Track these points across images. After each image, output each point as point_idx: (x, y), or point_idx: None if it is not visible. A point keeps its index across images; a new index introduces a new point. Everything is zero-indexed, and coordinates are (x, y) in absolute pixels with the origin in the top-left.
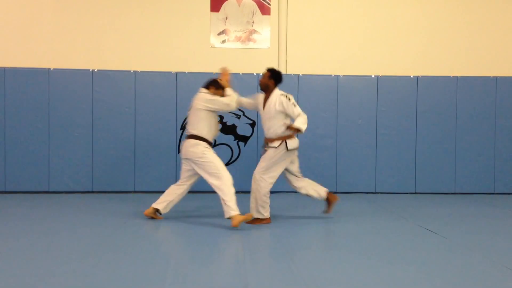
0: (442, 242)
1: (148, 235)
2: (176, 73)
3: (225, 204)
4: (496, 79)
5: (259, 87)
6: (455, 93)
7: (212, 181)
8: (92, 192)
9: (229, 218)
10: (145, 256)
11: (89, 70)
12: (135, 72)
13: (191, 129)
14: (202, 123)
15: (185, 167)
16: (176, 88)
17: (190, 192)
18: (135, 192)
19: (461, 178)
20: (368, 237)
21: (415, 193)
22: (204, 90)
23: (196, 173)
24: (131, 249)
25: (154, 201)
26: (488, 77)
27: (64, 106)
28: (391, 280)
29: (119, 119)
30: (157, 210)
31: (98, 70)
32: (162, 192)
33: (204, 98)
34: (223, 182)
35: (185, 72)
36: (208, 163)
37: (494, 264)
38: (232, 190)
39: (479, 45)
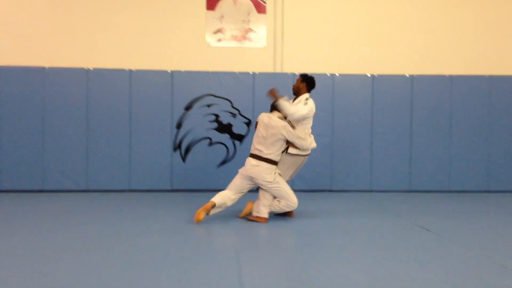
0: (437, 240)
1: (144, 233)
2: (172, 72)
3: (263, 205)
4: (491, 78)
5: (254, 87)
6: (450, 92)
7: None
8: (87, 190)
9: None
10: (140, 255)
11: (84, 68)
12: (130, 70)
13: (264, 150)
14: (276, 147)
15: (247, 182)
16: (172, 86)
17: (190, 190)
18: (130, 190)
19: (456, 176)
20: (363, 235)
21: (410, 191)
22: (277, 114)
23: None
24: (126, 247)
25: (149, 199)
26: (483, 76)
27: (59, 104)
28: (386, 278)
29: (114, 118)
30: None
31: (93, 68)
32: (158, 191)
33: (284, 128)
34: (288, 200)
35: (180, 71)
36: (279, 189)
37: (489, 262)
38: (281, 208)
39: (474, 44)
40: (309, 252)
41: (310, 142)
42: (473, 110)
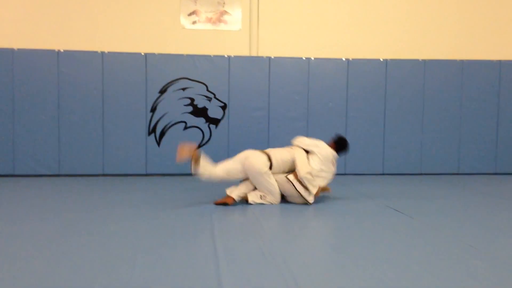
0: (409, 222)
1: (118, 219)
2: (146, 54)
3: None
4: (462, 62)
5: (229, 70)
6: (423, 76)
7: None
8: (59, 175)
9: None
10: (115, 240)
11: (54, 50)
12: (102, 53)
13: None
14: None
15: (237, 167)
16: (146, 69)
17: (164, 175)
18: (103, 175)
19: (427, 159)
20: (336, 218)
21: (383, 174)
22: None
23: None
24: (100, 233)
25: (123, 184)
26: (455, 61)
27: (29, 87)
28: (359, 260)
29: (87, 101)
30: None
31: (64, 50)
32: (132, 175)
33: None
34: (274, 196)
35: (154, 54)
36: (267, 182)
37: (458, 242)
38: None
39: (447, 29)
40: (285, 235)
41: (312, 195)
42: (445, 94)
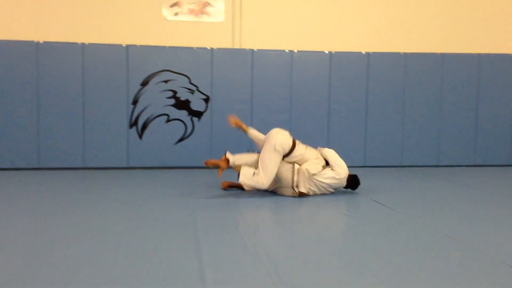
0: (389, 214)
1: (99, 212)
2: (127, 46)
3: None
4: (442, 55)
5: (212, 62)
6: (404, 69)
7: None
8: (39, 168)
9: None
10: (96, 233)
11: (34, 41)
12: (83, 44)
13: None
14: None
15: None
16: (127, 61)
17: (146, 168)
18: (84, 168)
19: (408, 152)
20: (319, 211)
21: (364, 166)
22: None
23: None
24: (81, 227)
25: (105, 177)
26: (435, 54)
27: (8, 79)
28: (341, 252)
29: (67, 93)
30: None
31: (43, 41)
32: (114, 168)
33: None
34: (265, 174)
35: (136, 45)
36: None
37: (438, 234)
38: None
39: (427, 22)
40: (268, 228)
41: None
42: (425, 87)
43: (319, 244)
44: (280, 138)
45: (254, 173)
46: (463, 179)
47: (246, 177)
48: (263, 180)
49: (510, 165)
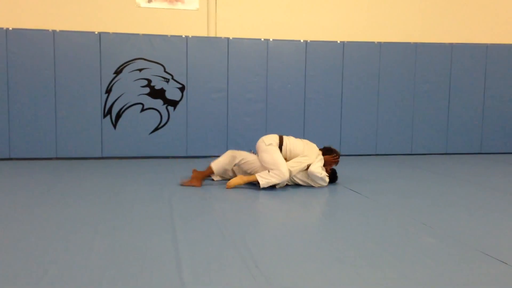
0: (364, 202)
1: (74, 203)
2: (100, 34)
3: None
4: (416, 45)
5: (187, 51)
6: (378, 58)
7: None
8: (10, 159)
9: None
10: (71, 225)
11: (3, 28)
12: (54, 31)
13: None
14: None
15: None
16: (100, 49)
17: (121, 157)
18: (57, 158)
19: (383, 140)
20: (295, 199)
21: (341, 155)
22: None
23: None
24: (54, 218)
25: (78, 167)
26: (409, 43)
27: None
28: (317, 239)
29: (38, 82)
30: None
31: (12, 28)
32: (87, 158)
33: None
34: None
35: (109, 33)
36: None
37: (412, 221)
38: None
39: (401, 12)
40: (245, 217)
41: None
42: (399, 76)
43: (296, 233)
44: (264, 137)
45: (269, 170)
46: (436, 167)
47: (265, 178)
48: (281, 171)
49: (480, 153)
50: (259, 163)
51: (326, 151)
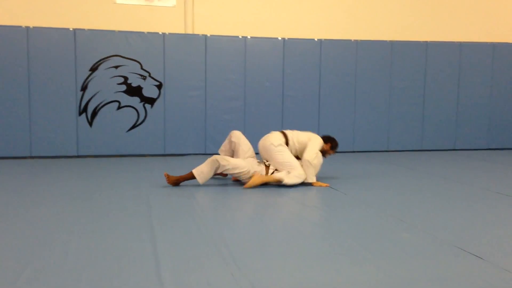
0: (342, 198)
1: (50, 203)
2: (75, 30)
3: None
4: (391, 43)
5: (164, 48)
6: (355, 56)
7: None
8: None
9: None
10: (46, 224)
11: None
12: (27, 28)
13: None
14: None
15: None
16: (75, 46)
17: (97, 156)
18: (31, 157)
19: (359, 137)
20: (272, 196)
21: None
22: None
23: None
24: (29, 218)
25: (54, 166)
26: (385, 41)
27: None
28: (294, 235)
29: (11, 79)
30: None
31: None
32: (63, 157)
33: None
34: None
35: (84, 29)
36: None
37: (388, 216)
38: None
39: (377, 10)
40: (223, 214)
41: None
42: (375, 74)
43: (275, 231)
44: (269, 137)
45: (288, 172)
46: (412, 163)
47: (291, 179)
48: (300, 172)
49: (454, 149)
50: (254, 168)
51: (326, 139)
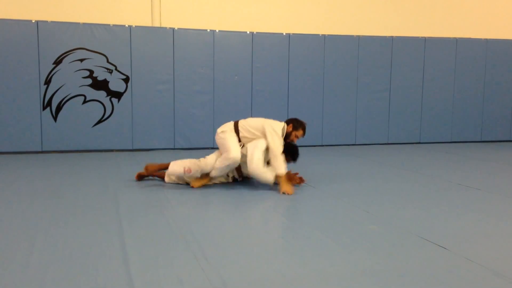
0: (311, 191)
1: (13, 199)
2: (37, 22)
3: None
4: (358, 38)
5: (131, 41)
6: (323, 50)
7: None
8: None
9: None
10: (10, 222)
11: None
12: None
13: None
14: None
15: None
16: (38, 38)
17: (62, 151)
18: None
19: (327, 131)
20: (241, 190)
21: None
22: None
23: None
24: None
25: (17, 162)
26: (351, 36)
27: None
28: (263, 229)
29: None
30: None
31: None
32: (26, 152)
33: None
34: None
35: (47, 21)
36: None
37: (355, 208)
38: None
39: (346, 5)
40: (193, 209)
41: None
42: (343, 68)
43: (244, 225)
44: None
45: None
46: (377, 157)
47: (219, 161)
48: (229, 153)
49: (419, 143)
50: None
51: (290, 121)
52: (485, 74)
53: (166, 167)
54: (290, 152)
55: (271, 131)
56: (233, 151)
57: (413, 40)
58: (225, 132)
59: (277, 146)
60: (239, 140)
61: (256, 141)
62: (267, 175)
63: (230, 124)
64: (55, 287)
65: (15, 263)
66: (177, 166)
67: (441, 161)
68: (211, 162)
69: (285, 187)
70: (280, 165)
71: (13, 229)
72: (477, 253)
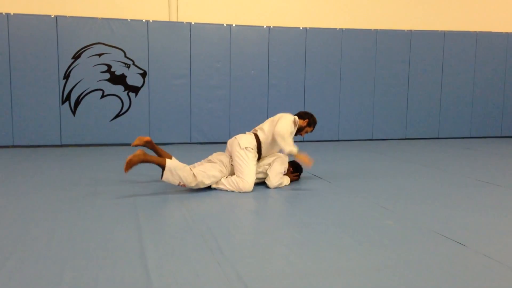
0: (327, 186)
1: (32, 192)
2: (56, 17)
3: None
4: (376, 32)
5: (148, 36)
6: (340, 45)
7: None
8: None
9: None
10: (29, 214)
11: None
12: (8, 14)
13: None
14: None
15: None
16: (57, 33)
17: (81, 145)
18: (14, 146)
19: (344, 126)
20: (257, 185)
21: (303, 141)
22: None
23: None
24: (13, 207)
25: (36, 156)
26: (369, 30)
27: None
28: (280, 224)
29: None
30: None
31: None
32: (46, 146)
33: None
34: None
35: (66, 16)
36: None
37: (372, 204)
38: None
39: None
40: (209, 206)
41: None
42: (360, 62)
43: (260, 219)
44: (240, 138)
45: (227, 179)
46: (394, 152)
47: (227, 181)
48: (244, 183)
49: (438, 138)
50: (227, 166)
51: (305, 115)
52: (505, 68)
53: (160, 163)
54: (294, 168)
55: (283, 118)
56: (247, 184)
57: (432, 34)
58: (248, 152)
59: (286, 128)
60: (258, 158)
61: (274, 167)
62: (283, 180)
63: (253, 140)
64: (73, 279)
65: (35, 254)
66: (172, 178)
67: (460, 156)
68: (208, 175)
69: (302, 158)
70: (289, 145)
71: (33, 221)
72: (496, 250)
